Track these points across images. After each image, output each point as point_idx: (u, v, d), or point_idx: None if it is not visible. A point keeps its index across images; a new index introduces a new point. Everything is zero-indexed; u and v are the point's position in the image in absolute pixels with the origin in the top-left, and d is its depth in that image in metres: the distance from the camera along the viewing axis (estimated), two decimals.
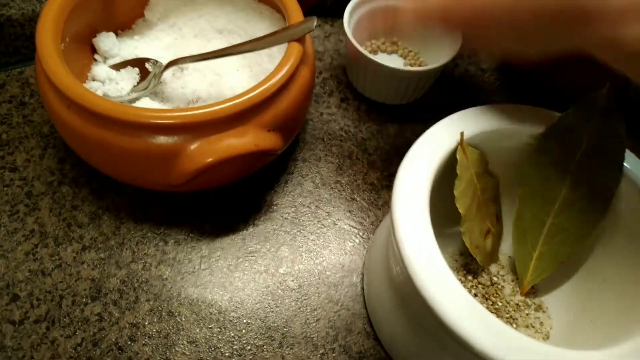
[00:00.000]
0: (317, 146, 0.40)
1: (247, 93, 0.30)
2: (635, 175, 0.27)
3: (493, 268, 0.32)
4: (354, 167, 0.39)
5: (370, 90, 0.42)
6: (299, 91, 0.32)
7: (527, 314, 0.30)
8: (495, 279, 0.31)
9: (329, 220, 0.36)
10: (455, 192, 0.28)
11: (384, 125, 0.41)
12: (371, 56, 0.38)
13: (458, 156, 0.27)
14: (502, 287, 0.31)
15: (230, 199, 0.36)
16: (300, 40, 0.33)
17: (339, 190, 0.38)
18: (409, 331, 0.28)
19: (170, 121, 0.28)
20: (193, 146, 0.29)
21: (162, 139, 0.29)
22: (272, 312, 0.32)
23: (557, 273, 0.31)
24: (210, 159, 0.29)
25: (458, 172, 0.28)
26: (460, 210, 0.28)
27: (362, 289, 0.33)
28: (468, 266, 0.32)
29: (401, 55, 0.44)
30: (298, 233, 0.35)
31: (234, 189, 0.36)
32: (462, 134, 0.27)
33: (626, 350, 0.22)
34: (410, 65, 0.43)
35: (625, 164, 0.27)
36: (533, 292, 0.32)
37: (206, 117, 0.29)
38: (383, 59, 0.42)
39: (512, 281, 0.31)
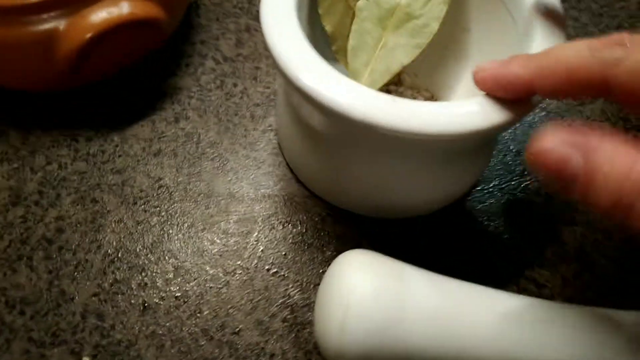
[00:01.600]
0: (212, 26, 0.40)
1: None
2: None
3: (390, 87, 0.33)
4: (253, 39, 0.39)
5: None
6: None
7: None
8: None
9: (237, 90, 0.37)
10: (320, 10, 0.28)
11: None
12: None
13: None
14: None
15: (132, 88, 0.36)
16: None
17: (241, 62, 0.38)
18: (311, 153, 0.29)
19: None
20: (65, 24, 0.29)
21: (31, 23, 0.29)
22: (193, 177, 0.33)
23: (449, 80, 0.33)
24: (88, 34, 0.29)
25: None
26: (326, 29, 0.28)
27: (278, 143, 0.34)
28: None
29: None
30: (207, 108, 0.36)
31: (134, 78, 0.36)
32: None
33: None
34: None
35: None
36: (432, 100, 0.33)
37: None
38: None
39: (411, 95, 0.33)
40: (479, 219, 0.32)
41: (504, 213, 0.32)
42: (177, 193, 0.32)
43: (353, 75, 0.28)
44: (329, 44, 0.29)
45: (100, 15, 0.29)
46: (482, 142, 0.28)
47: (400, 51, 0.28)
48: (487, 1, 0.29)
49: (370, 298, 0.22)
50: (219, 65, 0.38)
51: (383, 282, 0.23)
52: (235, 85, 0.37)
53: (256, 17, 0.40)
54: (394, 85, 0.33)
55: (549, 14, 0.25)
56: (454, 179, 0.29)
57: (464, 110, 0.22)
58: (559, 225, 0.32)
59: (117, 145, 0.34)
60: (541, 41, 0.24)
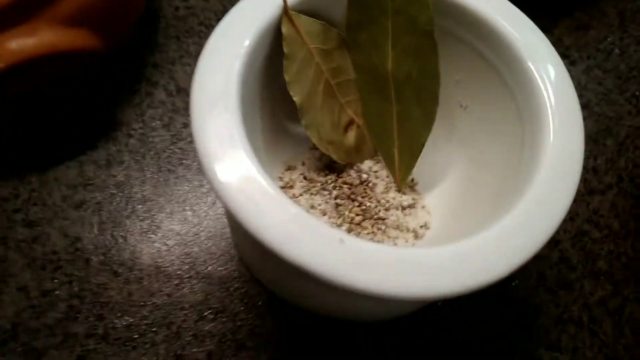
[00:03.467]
0: (170, 47, 0.34)
1: None
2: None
3: (365, 164, 0.27)
4: None
5: None
6: None
7: (400, 213, 0.26)
8: (365, 176, 0.27)
9: (186, 132, 0.31)
10: (286, 77, 0.22)
11: None
12: None
13: (283, 29, 0.22)
14: (374, 184, 0.27)
15: (61, 118, 0.30)
16: None
17: None
18: (254, 250, 0.24)
19: None
20: None
21: None
22: (117, 241, 0.28)
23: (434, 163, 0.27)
24: None
25: (286, 50, 0.22)
26: (295, 99, 0.23)
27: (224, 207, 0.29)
28: (334, 164, 0.27)
29: None
30: (147, 152, 0.30)
31: (64, 106, 0.31)
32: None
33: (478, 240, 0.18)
34: None
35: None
36: (411, 185, 0.27)
37: None
38: None
39: (388, 177, 0.27)
40: (449, 326, 0.27)
41: (474, 313, 0.27)
42: (95, 259, 0.27)
43: (386, 157, 0.26)
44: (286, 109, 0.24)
45: (12, 46, 0.24)
46: None
47: (416, 124, 0.23)
48: (487, 77, 0.24)
49: None
50: (170, 98, 0.32)
51: None
52: (185, 125, 0.31)
53: None
54: (372, 165, 0.27)
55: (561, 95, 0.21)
56: None
57: (432, 262, 0.17)
58: (540, 349, 0.27)
59: (33, 190, 0.29)
60: (552, 126, 0.20)
